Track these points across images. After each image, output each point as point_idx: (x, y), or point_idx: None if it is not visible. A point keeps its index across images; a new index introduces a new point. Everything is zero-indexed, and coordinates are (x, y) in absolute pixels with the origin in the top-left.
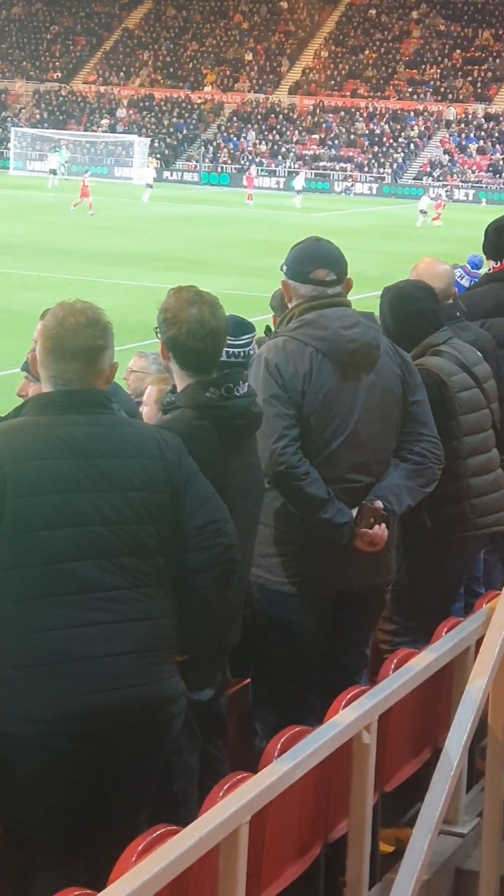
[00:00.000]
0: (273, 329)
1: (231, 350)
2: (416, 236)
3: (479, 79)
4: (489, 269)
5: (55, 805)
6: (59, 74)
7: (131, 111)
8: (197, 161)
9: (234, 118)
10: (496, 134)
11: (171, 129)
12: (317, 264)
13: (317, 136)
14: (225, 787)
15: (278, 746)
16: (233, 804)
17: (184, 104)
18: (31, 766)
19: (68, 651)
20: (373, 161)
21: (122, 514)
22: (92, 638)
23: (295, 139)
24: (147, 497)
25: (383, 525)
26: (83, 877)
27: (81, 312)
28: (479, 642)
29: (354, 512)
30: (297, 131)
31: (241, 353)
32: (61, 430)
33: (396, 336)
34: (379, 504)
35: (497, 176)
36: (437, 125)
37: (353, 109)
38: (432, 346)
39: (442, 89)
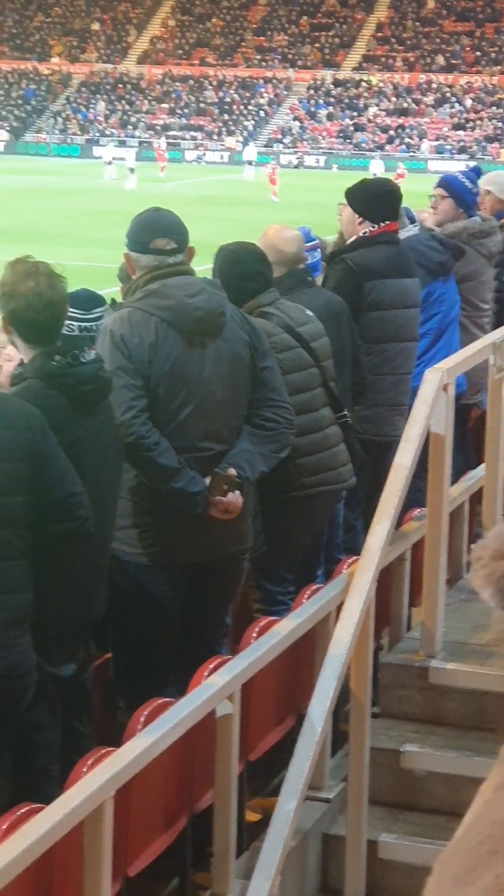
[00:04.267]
0: (119, 301)
1: (83, 325)
2: (268, 204)
3: (327, 45)
4: (365, 233)
5: None
6: None
7: None
8: (47, 132)
9: (83, 89)
10: (345, 100)
11: (20, 101)
12: (156, 234)
13: (166, 106)
14: (89, 763)
15: (141, 719)
16: (97, 779)
17: (31, 75)
18: None
19: None
20: (223, 129)
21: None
22: None
23: (145, 109)
24: (19, 468)
25: (237, 492)
26: None
27: None
28: (339, 608)
29: (208, 480)
30: (146, 101)
31: (94, 328)
32: None
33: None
34: (232, 471)
35: (347, 142)
36: (286, 92)
37: (202, 78)
38: (258, 306)
39: (290, 56)
